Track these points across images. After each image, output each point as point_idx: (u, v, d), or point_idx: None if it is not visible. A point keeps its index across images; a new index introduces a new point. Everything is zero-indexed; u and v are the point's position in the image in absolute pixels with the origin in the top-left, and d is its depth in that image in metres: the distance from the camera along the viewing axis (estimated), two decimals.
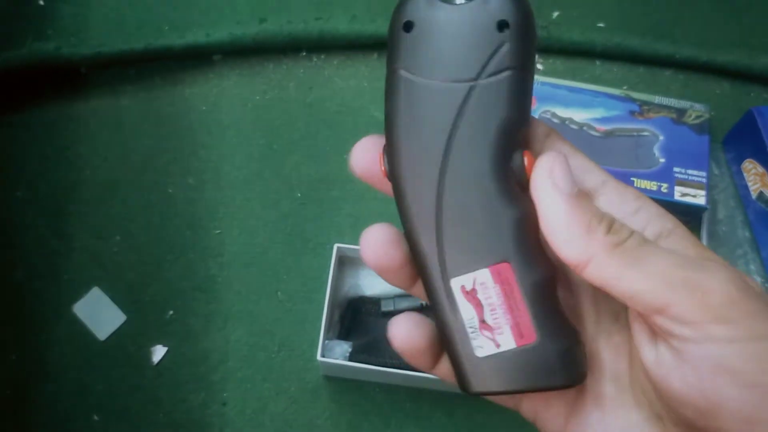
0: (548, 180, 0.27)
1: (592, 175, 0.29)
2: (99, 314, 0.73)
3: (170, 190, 0.79)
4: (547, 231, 0.27)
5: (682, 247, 0.28)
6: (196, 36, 0.84)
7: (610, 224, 0.27)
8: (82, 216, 0.78)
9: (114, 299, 0.74)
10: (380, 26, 0.86)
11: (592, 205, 0.28)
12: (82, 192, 0.79)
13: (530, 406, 0.32)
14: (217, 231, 0.78)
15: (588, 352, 0.30)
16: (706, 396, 0.25)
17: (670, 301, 0.25)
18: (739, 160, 0.80)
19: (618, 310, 0.30)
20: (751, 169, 0.79)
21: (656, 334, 0.27)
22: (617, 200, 0.29)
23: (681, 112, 0.81)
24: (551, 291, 0.29)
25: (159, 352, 0.72)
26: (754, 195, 0.79)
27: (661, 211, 0.29)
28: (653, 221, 0.29)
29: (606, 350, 0.30)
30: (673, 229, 0.29)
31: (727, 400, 0.25)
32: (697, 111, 0.81)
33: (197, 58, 0.85)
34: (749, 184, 0.79)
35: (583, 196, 0.28)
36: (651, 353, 0.27)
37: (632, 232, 0.27)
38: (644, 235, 0.27)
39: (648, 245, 0.27)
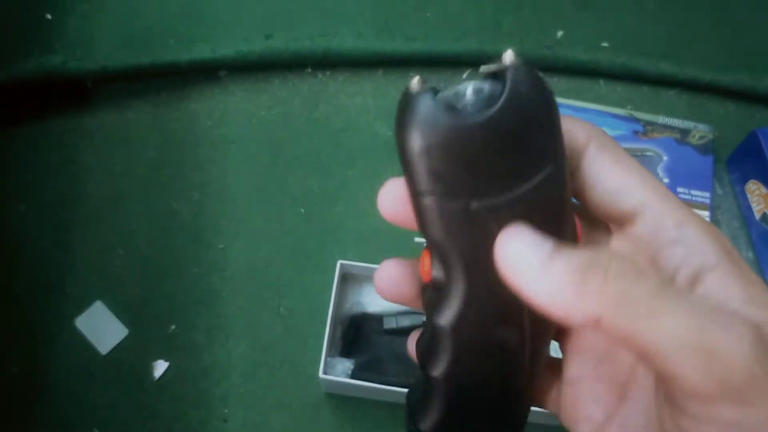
0: (510, 269, 0.24)
1: (630, 199, 0.26)
2: (101, 328, 0.73)
3: (174, 205, 0.79)
4: (544, 307, 0.23)
5: (723, 289, 0.24)
6: (202, 51, 0.84)
7: (608, 268, 0.23)
8: (85, 229, 0.78)
9: (116, 313, 0.74)
10: (385, 43, 0.86)
11: (577, 255, 0.23)
12: (85, 205, 0.79)
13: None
14: (221, 246, 0.78)
15: None
16: None
17: (678, 369, 0.22)
18: (743, 181, 0.80)
19: None
20: (754, 190, 0.79)
21: (668, 402, 0.24)
22: (653, 229, 0.26)
23: (685, 132, 0.81)
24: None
25: (161, 367, 0.72)
26: (757, 216, 0.78)
27: (706, 238, 0.25)
28: (692, 256, 0.25)
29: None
30: (717, 264, 0.25)
31: None
32: (700, 131, 0.81)
33: (203, 74, 0.86)
34: (753, 204, 0.79)
35: (558, 251, 0.24)
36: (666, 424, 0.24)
37: (642, 275, 0.23)
38: (661, 277, 0.23)
39: (664, 292, 0.22)
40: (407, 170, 0.25)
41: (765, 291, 0.24)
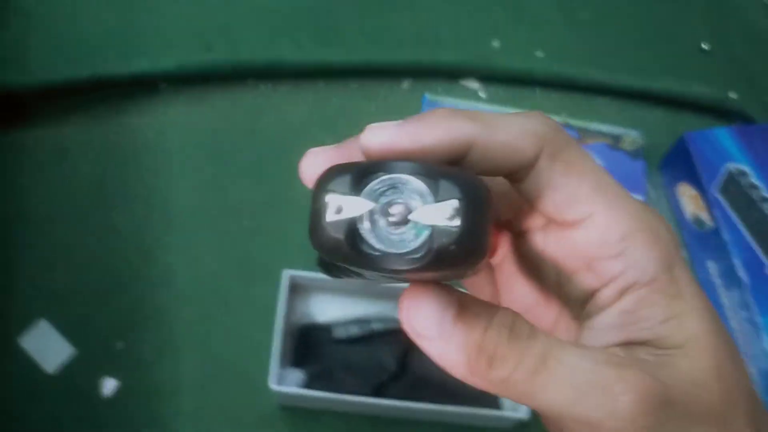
0: (414, 334, 0.24)
1: (580, 207, 0.26)
2: (46, 347, 0.72)
3: (117, 220, 0.79)
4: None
5: (646, 306, 0.26)
6: (142, 64, 0.83)
7: (491, 357, 0.23)
8: (26, 247, 0.77)
9: (62, 331, 0.73)
10: (325, 54, 0.87)
11: (470, 334, 0.23)
12: (25, 222, 0.78)
13: None
14: (166, 260, 0.77)
15: None
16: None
17: (575, 407, 0.23)
18: (674, 184, 0.84)
19: None
20: (685, 192, 0.82)
21: None
22: (596, 241, 0.27)
23: (617, 138, 0.84)
24: None
25: (109, 385, 0.71)
26: (688, 217, 0.82)
27: (647, 253, 0.26)
28: (628, 271, 0.26)
29: None
30: (650, 281, 0.26)
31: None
32: (632, 137, 0.84)
33: (143, 87, 0.85)
34: (684, 206, 0.83)
35: (458, 320, 0.24)
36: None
37: (523, 353, 0.23)
38: (544, 347, 0.24)
39: (543, 368, 0.23)
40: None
41: (686, 304, 0.26)
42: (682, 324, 0.25)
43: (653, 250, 0.26)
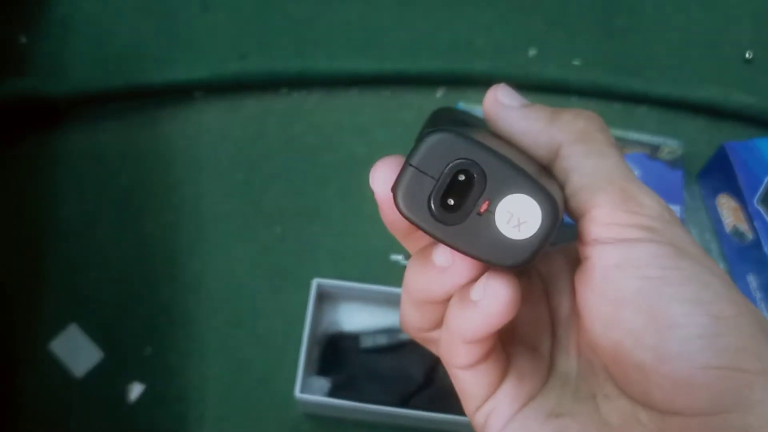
0: (496, 111, 0.29)
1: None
2: (76, 351, 0.73)
3: (148, 226, 0.79)
4: (521, 136, 0.28)
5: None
6: (176, 73, 0.84)
7: (577, 113, 0.28)
8: (59, 252, 0.78)
9: (91, 336, 0.74)
10: (359, 63, 0.87)
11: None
12: (58, 228, 0.79)
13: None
14: (196, 267, 0.77)
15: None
16: (609, 327, 0.25)
17: (595, 201, 0.25)
18: (714, 195, 0.82)
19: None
20: (725, 203, 0.80)
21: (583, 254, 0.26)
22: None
23: (655, 148, 0.82)
24: None
25: (136, 390, 0.71)
26: (728, 229, 0.80)
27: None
28: None
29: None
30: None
31: (627, 335, 0.24)
32: (670, 147, 0.82)
33: (177, 95, 0.86)
34: (723, 218, 0.80)
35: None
36: (577, 276, 0.27)
37: (602, 126, 0.28)
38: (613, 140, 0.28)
39: (615, 145, 0.27)
40: None
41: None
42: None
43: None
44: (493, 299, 0.25)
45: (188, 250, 0.78)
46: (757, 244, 0.75)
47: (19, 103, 0.81)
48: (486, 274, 0.25)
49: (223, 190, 0.82)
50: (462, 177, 0.24)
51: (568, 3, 0.93)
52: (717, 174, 0.81)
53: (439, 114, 0.34)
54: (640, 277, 0.24)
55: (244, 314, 0.76)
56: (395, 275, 0.77)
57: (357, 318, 0.75)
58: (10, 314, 0.74)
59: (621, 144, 0.82)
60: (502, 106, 0.29)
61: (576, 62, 0.89)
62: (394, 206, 0.25)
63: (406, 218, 0.25)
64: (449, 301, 0.27)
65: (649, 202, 0.25)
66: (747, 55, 0.91)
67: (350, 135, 0.85)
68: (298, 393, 0.66)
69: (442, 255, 0.26)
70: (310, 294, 0.70)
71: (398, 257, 0.76)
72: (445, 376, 0.72)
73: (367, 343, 0.73)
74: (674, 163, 0.81)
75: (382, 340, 0.73)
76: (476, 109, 0.84)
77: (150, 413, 0.71)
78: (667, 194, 0.78)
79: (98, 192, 0.81)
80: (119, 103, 0.85)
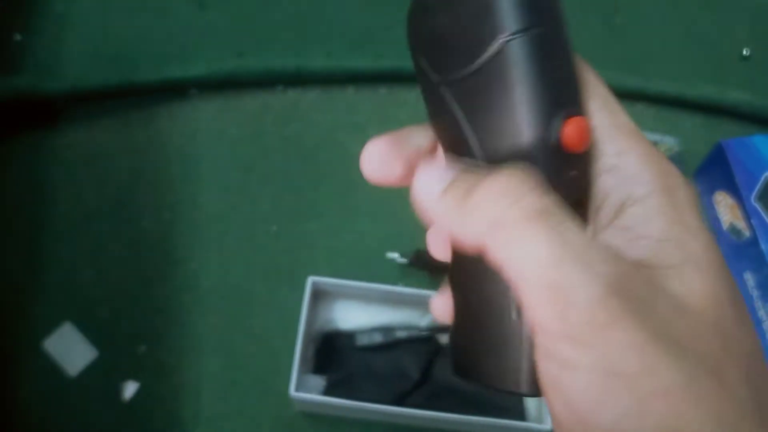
0: (416, 201, 0.27)
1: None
2: (70, 350, 0.72)
3: (144, 224, 0.79)
4: (448, 234, 0.27)
5: (642, 223, 0.25)
6: (172, 71, 0.84)
7: (488, 191, 0.24)
8: (53, 250, 0.77)
9: (86, 334, 0.73)
10: (355, 61, 0.86)
11: (466, 180, 0.25)
12: (54, 225, 0.79)
13: None
14: (192, 264, 0.77)
15: None
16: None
17: (529, 298, 0.22)
18: (711, 192, 0.81)
19: None
20: (721, 200, 0.80)
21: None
22: (593, 156, 0.26)
23: (653, 145, 0.82)
24: None
25: (131, 388, 0.71)
26: (725, 226, 0.79)
27: (643, 169, 0.25)
28: (621, 186, 0.25)
29: None
30: (644, 196, 0.25)
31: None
32: (667, 144, 0.82)
33: (174, 92, 0.85)
34: (720, 215, 0.80)
35: (458, 178, 0.26)
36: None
37: (519, 199, 0.23)
38: (543, 203, 0.23)
39: (536, 219, 0.23)
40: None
41: (687, 232, 0.24)
42: (681, 246, 0.24)
43: (648, 166, 0.25)
44: None
45: (183, 247, 0.78)
46: (754, 241, 0.75)
47: (15, 100, 0.81)
48: None
49: (219, 188, 0.81)
50: None
51: (565, 0, 0.92)
52: (714, 171, 0.81)
53: None
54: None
55: (239, 312, 0.75)
56: (391, 273, 0.77)
57: (353, 316, 0.75)
58: (4, 312, 0.74)
59: None
60: (420, 201, 0.27)
61: None
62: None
63: None
64: None
65: (582, 296, 0.22)
66: (744, 53, 0.91)
67: (346, 133, 0.85)
68: (293, 391, 0.66)
69: None
70: (306, 292, 0.70)
71: (394, 255, 0.76)
72: (442, 374, 0.72)
73: (362, 341, 0.73)
74: (672, 161, 0.81)
75: (378, 338, 0.73)
76: None
77: (144, 412, 0.71)
78: None
79: (93, 190, 0.80)
80: (115, 100, 0.85)
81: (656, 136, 0.83)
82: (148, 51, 0.86)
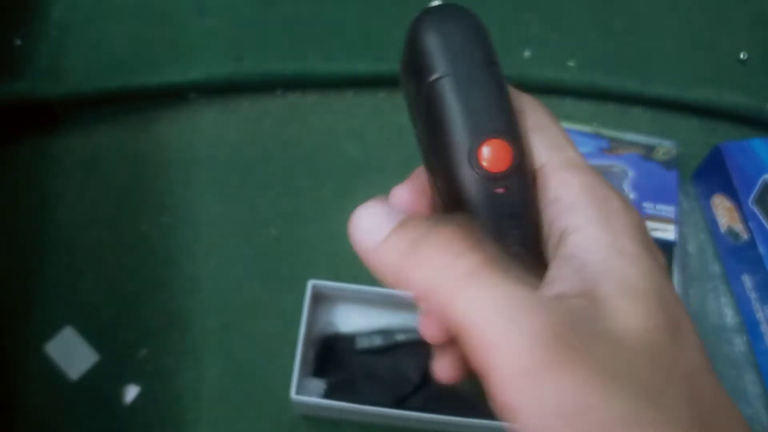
0: (356, 246, 0.27)
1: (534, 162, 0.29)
2: (71, 354, 0.73)
3: (144, 228, 0.79)
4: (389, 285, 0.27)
5: (583, 251, 0.25)
6: (171, 75, 0.84)
7: (431, 245, 0.25)
8: (54, 255, 0.77)
9: (87, 338, 0.73)
10: (355, 64, 0.87)
11: (407, 233, 0.26)
12: (54, 230, 0.79)
13: None
14: (191, 268, 0.77)
15: None
16: None
17: (471, 349, 0.23)
18: (709, 195, 0.82)
19: None
20: (719, 204, 0.80)
21: None
22: (540, 189, 0.28)
23: (650, 148, 0.82)
24: None
25: (131, 392, 0.71)
26: (722, 229, 0.80)
27: (579, 200, 0.27)
28: (562, 216, 0.27)
29: None
30: (580, 226, 0.26)
31: None
32: (665, 147, 0.82)
33: (173, 97, 0.86)
34: (718, 218, 0.80)
35: (400, 227, 0.27)
36: None
37: (460, 255, 0.24)
38: (481, 256, 0.24)
39: (476, 274, 0.24)
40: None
41: (623, 258, 0.25)
42: (617, 275, 0.25)
43: (585, 195, 0.27)
44: None
45: (184, 251, 0.78)
46: (752, 244, 0.75)
47: (15, 105, 0.81)
48: None
49: (219, 192, 0.82)
50: None
51: (563, 4, 0.93)
52: (712, 174, 0.81)
53: None
54: None
55: (240, 316, 0.76)
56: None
57: (353, 319, 0.75)
58: (5, 316, 0.74)
59: (616, 145, 0.82)
60: (358, 244, 0.28)
61: (571, 63, 0.89)
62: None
63: None
64: None
65: (521, 345, 0.23)
66: (741, 56, 0.91)
67: (345, 137, 0.85)
68: (293, 394, 0.66)
69: None
70: (306, 295, 0.70)
71: None
72: None
73: (362, 344, 0.73)
74: (669, 164, 0.81)
75: (378, 342, 0.73)
76: None
77: (145, 415, 0.71)
78: (662, 195, 0.79)
79: (94, 194, 0.81)
80: (115, 105, 0.85)
81: (654, 140, 0.83)
82: (148, 56, 0.86)
